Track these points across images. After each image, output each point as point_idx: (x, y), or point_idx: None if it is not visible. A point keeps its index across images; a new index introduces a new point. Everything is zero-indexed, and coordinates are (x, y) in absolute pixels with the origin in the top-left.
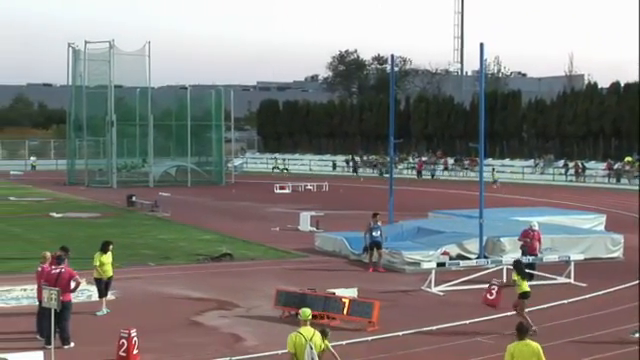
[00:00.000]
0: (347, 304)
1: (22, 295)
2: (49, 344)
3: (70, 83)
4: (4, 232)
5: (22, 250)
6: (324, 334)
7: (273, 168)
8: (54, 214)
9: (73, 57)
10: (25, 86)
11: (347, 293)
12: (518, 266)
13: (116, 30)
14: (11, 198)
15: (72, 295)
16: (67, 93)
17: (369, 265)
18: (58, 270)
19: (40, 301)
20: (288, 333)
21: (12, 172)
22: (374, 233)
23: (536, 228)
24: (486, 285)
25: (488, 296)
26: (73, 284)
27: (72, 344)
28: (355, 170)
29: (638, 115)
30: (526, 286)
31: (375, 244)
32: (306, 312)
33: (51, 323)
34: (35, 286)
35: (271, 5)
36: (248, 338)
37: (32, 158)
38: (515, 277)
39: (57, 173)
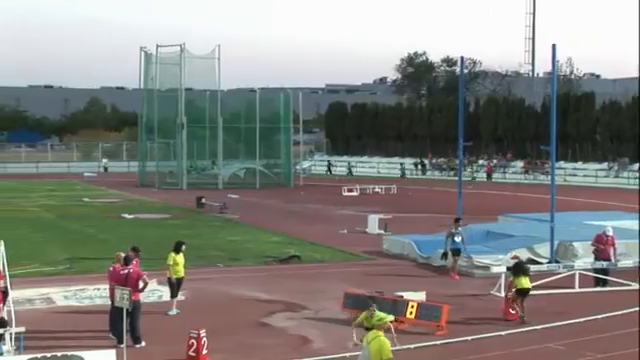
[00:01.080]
0: (415, 307)
1: (95, 294)
2: (121, 343)
3: (142, 86)
4: (79, 232)
5: (96, 250)
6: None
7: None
8: (126, 215)
9: (145, 61)
10: (99, 89)
11: (415, 296)
12: (513, 267)
13: (187, 34)
14: (85, 199)
15: (142, 295)
16: (139, 96)
17: (450, 272)
18: (126, 270)
19: (112, 300)
20: (356, 336)
21: (86, 174)
22: (456, 239)
23: (610, 233)
24: (557, 291)
25: (511, 310)
26: (141, 284)
27: (143, 343)
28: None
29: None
30: (525, 283)
31: (455, 250)
32: (378, 315)
33: (123, 322)
34: (108, 286)
35: (340, 8)
36: (316, 340)
37: (104, 160)
38: (511, 278)
39: (129, 175)
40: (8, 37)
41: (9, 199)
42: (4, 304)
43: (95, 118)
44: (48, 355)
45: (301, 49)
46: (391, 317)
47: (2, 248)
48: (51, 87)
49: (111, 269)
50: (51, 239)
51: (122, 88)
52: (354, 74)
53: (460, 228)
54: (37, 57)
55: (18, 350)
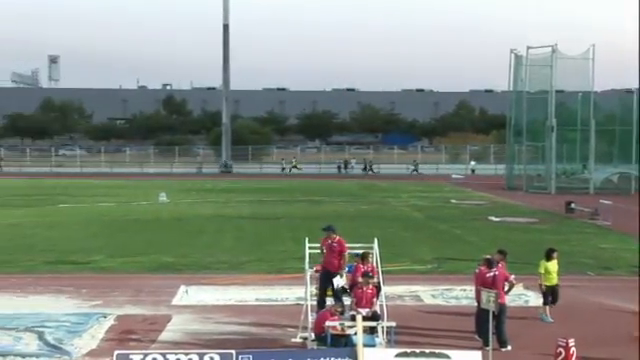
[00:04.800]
0: None
1: (462, 295)
2: (487, 345)
3: (511, 89)
4: (446, 233)
5: (462, 251)
6: None
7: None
8: (492, 218)
9: (515, 63)
10: (468, 92)
11: None
12: None
13: (558, 33)
14: (452, 201)
15: (508, 298)
16: (507, 99)
17: None
18: (492, 273)
19: (478, 302)
20: None
21: (453, 175)
22: None
23: None
24: None
25: None
26: (507, 287)
27: (509, 347)
28: None
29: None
30: None
31: None
32: None
33: (489, 325)
34: (474, 287)
35: None
36: None
37: (472, 162)
38: None
39: (496, 178)
40: (377, 41)
41: (382, 198)
42: (377, 298)
43: (463, 121)
44: (417, 351)
45: None
46: None
47: (376, 246)
48: (422, 91)
49: (477, 271)
50: (420, 238)
51: (490, 91)
52: None
53: None
54: (411, 63)
55: (389, 343)
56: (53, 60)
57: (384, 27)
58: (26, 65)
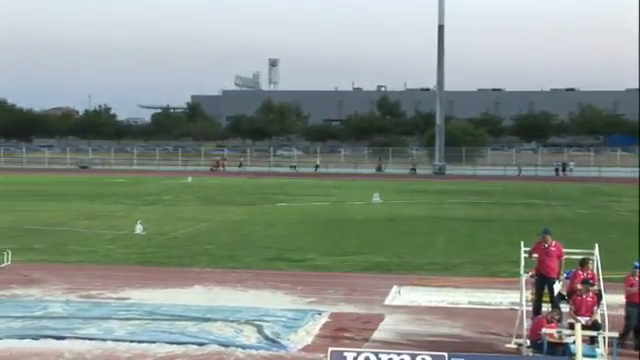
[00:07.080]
0: None
1: None
2: None
3: None
4: None
5: None
6: None
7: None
8: None
9: None
10: None
11: None
12: None
13: None
14: None
15: None
16: None
17: None
18: None
19: None
20: None
21: None
22: None
23: None
24: None
25: None
26: None
27: None
28: None
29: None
30: None
31: None
32: None
33: None
34: None
35: None
36: None
37: None
38: None
39: None
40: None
41: (603, 202)
42: (598, 307)
43: None
44: None
45: None
46: None
47: (597, 251)
48: None
49: None
50: None
51: None
52: None
53: None
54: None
55: (611, 355)
56: (273, 63)
57: (606, 21)
58: (248, 68)
